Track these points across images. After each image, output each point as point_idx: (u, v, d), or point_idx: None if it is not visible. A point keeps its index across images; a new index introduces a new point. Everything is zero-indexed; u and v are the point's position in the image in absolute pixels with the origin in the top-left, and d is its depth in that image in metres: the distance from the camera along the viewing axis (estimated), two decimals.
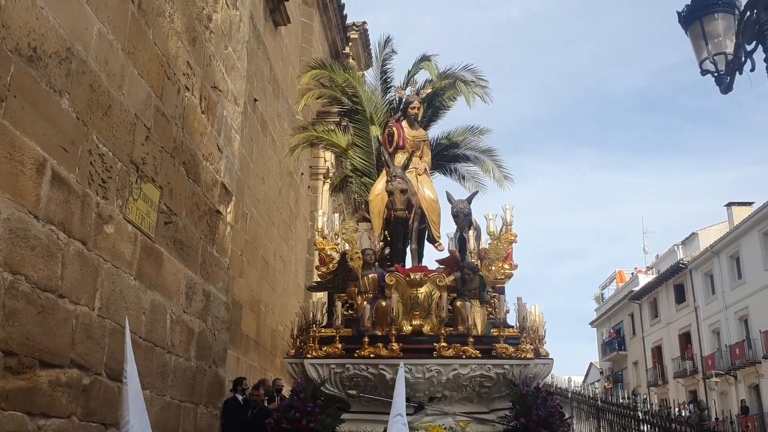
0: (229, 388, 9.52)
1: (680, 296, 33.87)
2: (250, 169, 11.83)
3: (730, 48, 6.01)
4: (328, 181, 16.25)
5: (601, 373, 43.98)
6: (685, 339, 33.45)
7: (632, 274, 40.36)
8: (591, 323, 45.57)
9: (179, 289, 6.62)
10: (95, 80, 5.09)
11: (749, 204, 31.40)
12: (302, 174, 15.84)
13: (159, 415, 6.10)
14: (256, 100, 12.19)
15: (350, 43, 19.76)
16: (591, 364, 48.26)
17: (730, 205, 33.14)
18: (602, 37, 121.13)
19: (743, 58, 5.73)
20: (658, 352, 36.10)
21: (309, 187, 16.43)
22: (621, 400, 9.53)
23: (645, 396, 32.03)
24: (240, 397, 9.26)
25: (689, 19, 6.27)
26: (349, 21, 19.55)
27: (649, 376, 36.50)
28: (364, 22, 20.09)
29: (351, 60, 19.81)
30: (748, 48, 5.64)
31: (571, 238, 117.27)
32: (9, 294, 4.02)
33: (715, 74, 6.13)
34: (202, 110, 7.29)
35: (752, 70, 5.64)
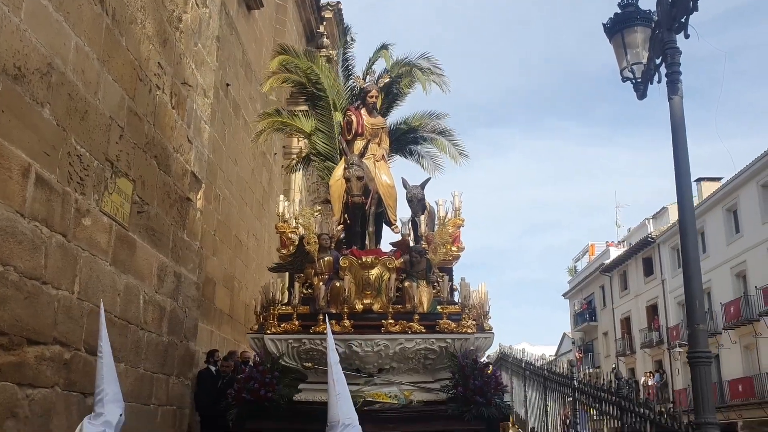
0: (203, 360, 10.33)
1: (648, 269, 35.04)
2: (222, 152, 12.44)
3: (645, 58, 6.76)
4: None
5: (573, 343, 45.37)
6: (653, 311, 34.70)
7: (604, 247, 41.51)
8: (564, 295, 46.87)
9: (152, 272, 7.34)
10: (73, 89, 5.74)
11: (718, 179, 32.20)
12: (275, 154, 16.48)
13: (134, 385, 6.86)
14: (228, 84, 12.78)
15: (324, 23, 20.25)
16: (564, 334, 49.63)
17: (699, 180, 34.06)
18: (586, 10, 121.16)
19: (653, 70, 6.48)
20: (626, 323, 37.39)
21: (282, 166, 17.06)
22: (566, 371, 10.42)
23: (614, 366, 32.89)
24: (212, 368, 10.05)
25: (612, 31, 6.99)
26: (323, 0, 20.03)
27: (618, 347, 37.84)
28: (339, 2, 20.56)
29: (325, 39, 20.35)
30: (657, 62, 6.39)
31: (549, 211, 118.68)
32: (0, 282, 4.73)
33: (633, 81, 6.89)
34: (172, 106, 7.94)
35: (659, 81, 6.40)
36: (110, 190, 6.42)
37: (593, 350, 41.97)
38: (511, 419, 11.26)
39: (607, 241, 41.65)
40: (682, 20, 5.85)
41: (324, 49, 19.55)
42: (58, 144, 5.51)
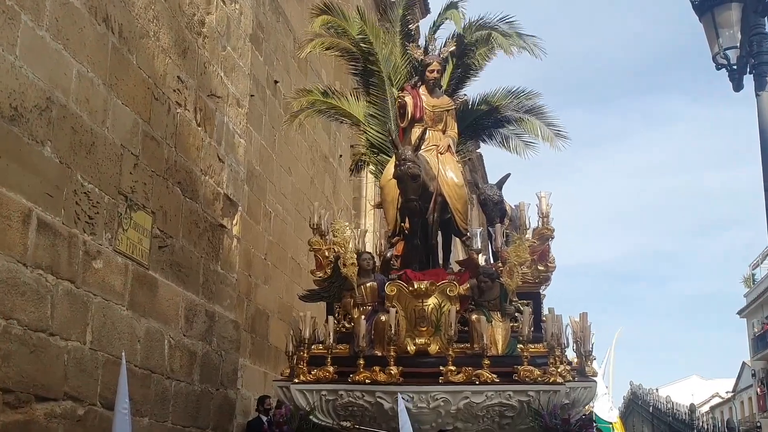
0: (254, 408, 11.31)
1: None
2: (272, 161, 13.40)
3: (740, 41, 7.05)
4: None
5: (753, 375, 44.03)
6: None
7: None
8: (739, 312, 45.52)
9: (177, 313, 8.30)
10: (77, 122, 6.72)
11: None
12: (341, 156, 17.32)
13: None
14: (276, 81, 13.73)
15: None
16: (744, 363, 48.19)
17: None
18: None
19: (745, 57, 6.78)
20: None
21: (351, 170, 17.89)
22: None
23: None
24: (264, 418, 10.99)
25: (702, 8, 7.32)
26: None
27: None
28: None
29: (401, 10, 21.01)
30: (748, 48, 6.68)
31: (723, 203, 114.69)
32: (3, 337, 5.73)
33: (728, 69, 7.18)
34: (197, 123, 8.89)
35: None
36: (125, 227, 7.38)
37: None
38: None
39: None
40: None
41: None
42: (61, 183, 6.49)
